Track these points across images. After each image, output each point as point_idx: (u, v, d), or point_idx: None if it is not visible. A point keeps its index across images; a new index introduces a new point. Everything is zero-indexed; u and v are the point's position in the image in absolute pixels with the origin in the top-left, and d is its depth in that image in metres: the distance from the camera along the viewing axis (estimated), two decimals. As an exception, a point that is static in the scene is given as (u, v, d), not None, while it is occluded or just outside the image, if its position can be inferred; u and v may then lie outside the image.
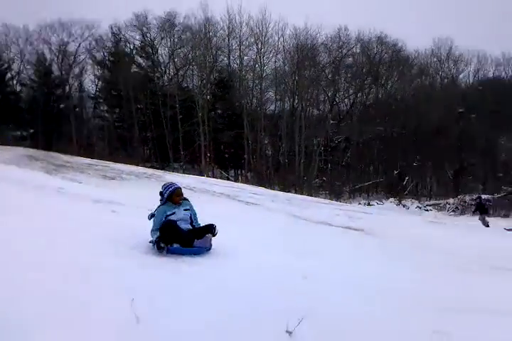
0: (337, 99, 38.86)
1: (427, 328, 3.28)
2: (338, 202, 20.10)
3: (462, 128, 34.44)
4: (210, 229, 4.75)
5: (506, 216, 27.95)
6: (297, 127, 34.40)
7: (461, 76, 41.22)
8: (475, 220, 16.67)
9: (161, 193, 4.92)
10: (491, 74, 40.62)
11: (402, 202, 30.57)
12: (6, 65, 35.57)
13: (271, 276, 4.52)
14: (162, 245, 4.50)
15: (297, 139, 34.09)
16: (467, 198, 29.70)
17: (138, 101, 33.93)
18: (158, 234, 4.58)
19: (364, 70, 37.83)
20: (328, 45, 38.20)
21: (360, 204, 28.89)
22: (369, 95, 39.10)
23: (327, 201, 17.25)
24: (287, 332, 3.13)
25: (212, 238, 4.74)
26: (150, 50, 36.74)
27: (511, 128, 35.36)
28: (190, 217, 4.92)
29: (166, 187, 4.90)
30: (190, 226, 4.82)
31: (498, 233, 12.54)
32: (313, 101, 37.70)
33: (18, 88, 36.49)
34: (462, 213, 27.69)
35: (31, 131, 33.73)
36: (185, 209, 4.88)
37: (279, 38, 37.06)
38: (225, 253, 4.87)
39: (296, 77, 36.34)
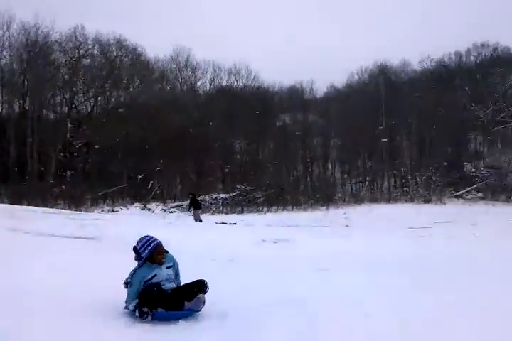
0: (76, 102, 36.63)
1: None
2: (73, 211, 18.80)
3: (201, 133, 36.72)
4: (201, 287, 3.79)
5: (241, 212, 31.22)
6: (29, 130, 31.09)
7: (198, 83, 43.91)
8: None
9: (135, 250, 3.74)
10: (224, 83, 44.02)
11: (148, 206, 30.82)
12: None
13: None
14: (145, 310, 3.63)
15: (29, 144, 30.78)
16: (207, 198, 31.92)
17: None
18: (136, 301, 3.70)
19: (104, 73, 36.60)
20: (64, 43, 35.59)
21: (103, 211, 27.89)
22: (111, 98, 38.09)
23: (58, 210, 15.85)
24: None
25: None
26: None
27: (243, 133, 39.65)
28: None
29: (143, 243, 3.76)
30: (174, 285, 3.81)
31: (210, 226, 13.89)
32: (49, 103, 34.70)
33: None
34: (203, 212, 29.54)
35: None
36: (167, 267, 3.88)
37: (4, 33, 33.09)
38: None
39: (28, 76, 32.80)
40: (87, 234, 8.70)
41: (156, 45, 45.71)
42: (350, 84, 45.98)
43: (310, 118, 42.94)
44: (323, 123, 42.17)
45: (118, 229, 9.61)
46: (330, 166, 41.30)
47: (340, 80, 51.34)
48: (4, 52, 33.37)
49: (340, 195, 35.83)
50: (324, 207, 31.31)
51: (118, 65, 37.98)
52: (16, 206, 14.72)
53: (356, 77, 45.84)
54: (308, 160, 39.85)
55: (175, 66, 43.17)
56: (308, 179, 39.65)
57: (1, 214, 10.84)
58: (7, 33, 33.21)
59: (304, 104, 43.72)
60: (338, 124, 39.81)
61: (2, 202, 21.27)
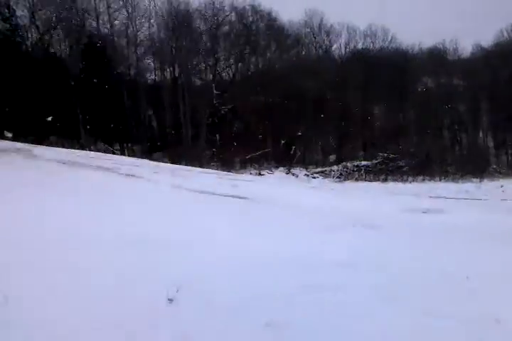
0: (219, 69, 38.18)
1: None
2: (226, 172, 19.96)
3: (340, 99, 35.93)
4: None
5: (385, 180, 30.26)
6: (181, 97, 33.24)
7: (333, 47, 42.84)
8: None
9: None
10: (360, 46, 42.70)
11: (292, 170, 31.53)
12: None
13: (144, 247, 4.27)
14: None
15: (182, 110, 33.03)
16: (349, 165, 31.58)
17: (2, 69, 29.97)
18: None
19: (242, 39, 37.35)
20: (203, 11, 36.88)
21: (251, 174, 29.25)
22: (249, 65, 38.89)
23: (213, 171, 16.94)
24: (168, 300, 3.14)
25: None
26: (6, 11, 32.37)
27: (382, 98, 37.79)
28: None
29: None
30: None
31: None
32: (195, 71, 36.60)
33: None
34: (346, 179, 29.47)
35: None
36: None
37: (150, 2, 35.47)
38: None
39: (174, 44, 34.73)
40: (240, 194, 9.17)
41: (288, 9, 44.97)
42: (499, 44, 40.34)
43: (454, 81, 39.03)
44: (470, 87, 37.77)
45: (267, 191, 10.02)
46: (481, 134, 37.39)
47: (487, 39, 45.19)
48: (152, 21, 35.61)
49: (494, 166, 32.46)
50: (477, 179, 28.46)
51: (254, 31, 38.38)
52: (178, 166, 16.23)
53: (506, 35, 40.27)
54: (457, 127, 36.62)
55: (308, 30, 42.48)
56: (457, 148, 36.55)
57: (165, 172, 11.84)
58: (152, 2, 35.27)
59: (447, 66, 40.48)
60: (487, 87, 35.48)
61: (164, 162, 23.55)
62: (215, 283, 3.40)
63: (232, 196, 8.94)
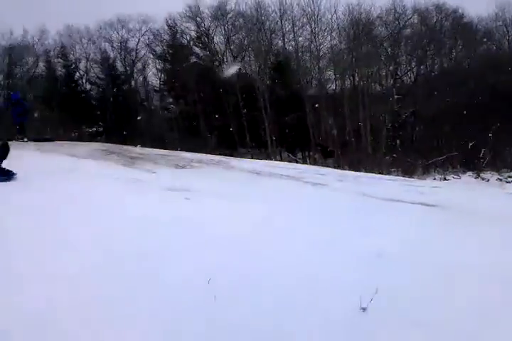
0: (399, 73, 37.60)
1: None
2: (410, 179, 19.42)
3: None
4: None
5: None
6: (360, 105, 33.53)
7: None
8: None
9: None
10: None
11: (481, 175, 29.09)
12: (73, 65, 37.39)
13: (341, 253, 4.56)
14: None
15: (362, 117, 33.23)
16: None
17: (200, 91, 34.49)
18: None
19: (425, 41, 35.90)
20: (384, 18, 36.81)
21: (435, 179, 27.95)
22: (433, 66, 37.13)
23: (396, 178, 16.70)
24: (361, 308, 3.18)
25: None
26: (206, 40, 37.19)
27: None
28: None
29: None
30: None
31: None
32: (375, 77, 36.53)
33: (88, 86, 38.31)
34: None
35: (104, 126, 35.45)
36: None
37: (332, 16, 36.88)
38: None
39: (354, 54, 35.25)
40: (428, 201, 8.90)
41: (476, 5, 41.53)
42: None
43: None
44: None
45: (459, 198, 9.52)
46: None
47: None
48: (333, 33, 36.89)
49: None
50: None
51: (438, 30, 36.49)
52: (361, 173, 16.55)
53: None
54: None
55: (500, 23, 38.58)
56: None
57: (348, 180, 12.14)
58: (335, 15, 36.55)
59: None
60: None
61: (343, 169, 24.12)
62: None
63: (421, 203, 8.71)
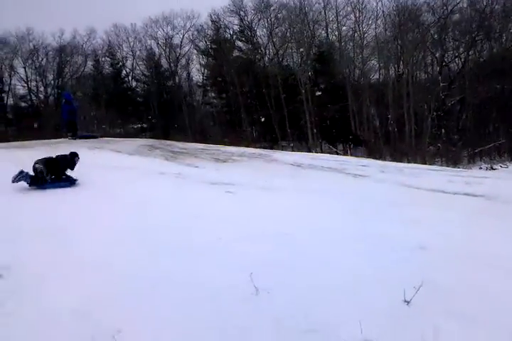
0: (446, 60, 36.30)
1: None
2: (454, 169, 18.83)
3: None
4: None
5: None
6: (404, 93, 32.72)
7: None
8: None
9: None
10: None
11: (537, 164, 27.85)
12: (120, 63, 38.37)
13: (385, 245, 4.56)
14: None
15: (405, 106, 32.36)
16: None
17: (242, 84, 34.65)
18: None
19: (474, 25, 34.34)
20: (431, 3, 35.61)
21: (481, 168, 26.97)
22: (482, 51, 35.52)
23: (441, 168, 16.20)
24: (405, 301, 3.25)
25: None
26: (249, 33, 37.52)
27: None
28: None
29: None
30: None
31: None
32: (420, 65, 35.41)
33: (134, 83, 39.34)
34: None
35: (148, 122, 36.22)
36: None
37: (377, 3, 36.03)
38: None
39: (399, 41, 34.34)
40: (473, 192, 8.63)
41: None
42: None
43: None
44: None
45: (507, 188, 9.15)
46: None
47: None
48: (378, 21, 36.12)
49: None
50: None
51: (488, 14, 34.78)
52: (404, 164, 16.18)
53: None
54: None
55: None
56: None
57: (391, 171, 11.91)
58: (380, 2, 35.72)
59: None
60: None
61: (384, 160, 23.65)
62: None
63: (466, 194, 8.45)
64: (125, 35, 38.42)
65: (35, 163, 6.69)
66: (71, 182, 6.99)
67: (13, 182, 6.48)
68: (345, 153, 31.89)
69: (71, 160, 7.10)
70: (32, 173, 6.63)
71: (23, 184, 6.68)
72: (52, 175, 6.81)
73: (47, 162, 6.76)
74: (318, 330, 2.91)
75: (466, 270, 3.90)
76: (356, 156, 25.45)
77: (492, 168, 27.67)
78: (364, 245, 4.54)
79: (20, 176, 6.55)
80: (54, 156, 7.04)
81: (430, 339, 2.80)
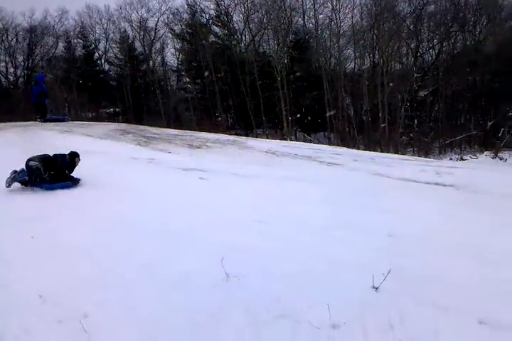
0: (420, 51, 36.71)
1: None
2: (426, 159, 19.20)
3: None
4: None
5: None
6: (379, 83, 32.87)
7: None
8: None
9: None
10: None
11: (499, 154, 28.55)
12: (92, 46, 37.38)
13: (357, 233, 4.61)
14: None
15: (380, 96, 32.65)
16: None
17: (218, 70, 34.28)
18: None
19: (449, 17, 34.77)
20: (408, -7, 35.47)
21: (451, 159, 27.53)
22: (456, 43, 36.05)
23: (413, 158, 16.49)
24: (373, 287, 3.30)
25: None
26: (225, 18, 36.92)
27: None
28: None
29: None
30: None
31: None
32: (395, 55, 35.66)
33: (106, 67, 38.49)
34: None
35: (123, 106, 35.54)
36: None
37: (358, -9, 35.25)
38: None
39: (375, 31, 34.47)
40: (443, 181, 8.83)
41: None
42: None
43: None
44: None
45: (476, 178, 9.39)
46: None
47: None
48: (355, 11, 36.06)
49: None
50: None
51: (463, 6, 35.20)
52: (376, 153, 16.41)
53: None
54: None
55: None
56: None
57: (364, 160, 12.04)
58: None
59: None
60: None
61: (358, 149, 23.92)
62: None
63: (436, 183, 8.66)
64: (98, 17, 37.57)
65: (30, 159, 6.07)
66: (73, 182, 6.37)
67: (7, 186, 5.87)
68: (319, 142, 32.10)
69: (71, 161, 6.45)
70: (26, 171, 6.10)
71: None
72: (49, 175, 6.18)
73: (44, 160, 6.15)
74: (288, 315, 2.94)
75: (435, 258, 3.99)
76: (330, 145, 25.69)
77: (462, 159, 28.32)
78: (337, 232, 4.60)
79: (15, 175, 5.96)
80: (51, 155, 6.37)
81: (397, 325, 2.86)
